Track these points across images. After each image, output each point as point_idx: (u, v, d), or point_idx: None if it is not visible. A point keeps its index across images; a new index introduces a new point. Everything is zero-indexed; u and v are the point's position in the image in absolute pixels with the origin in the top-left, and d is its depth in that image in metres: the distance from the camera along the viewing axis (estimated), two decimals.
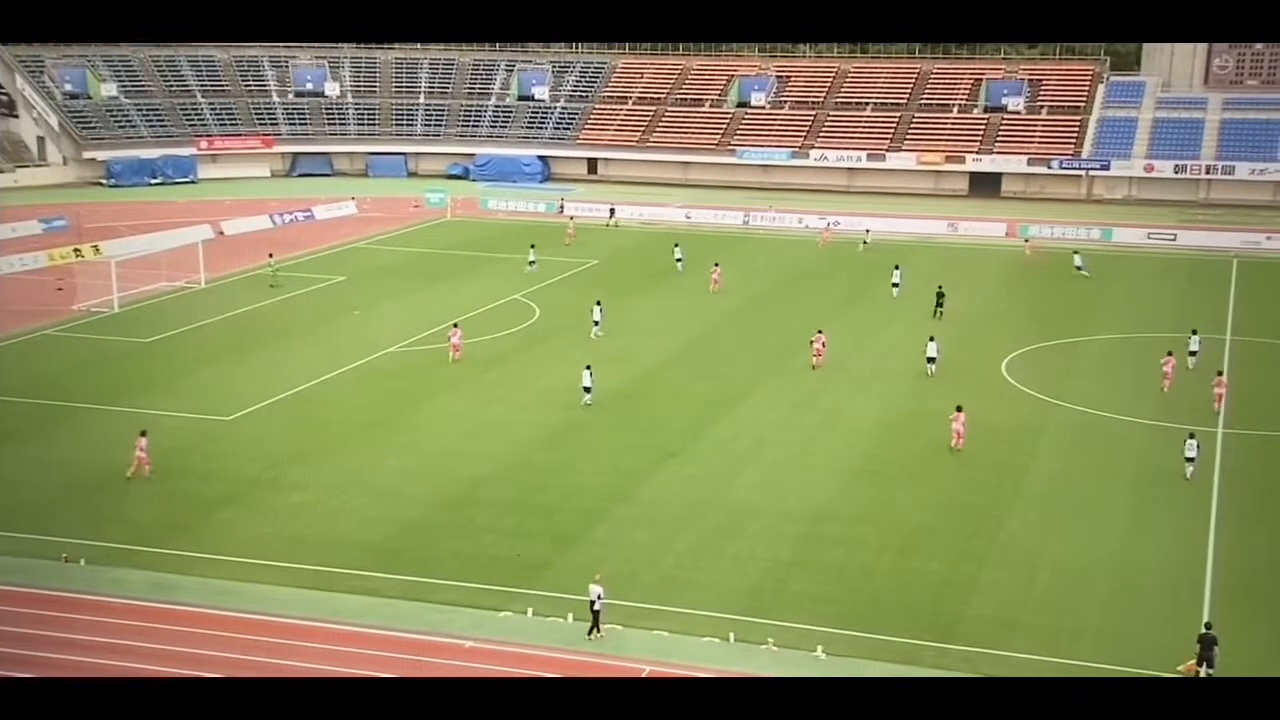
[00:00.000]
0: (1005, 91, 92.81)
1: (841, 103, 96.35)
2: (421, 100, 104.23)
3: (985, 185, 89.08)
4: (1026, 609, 26.90)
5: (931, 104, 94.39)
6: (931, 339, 45.34)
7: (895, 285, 57.46)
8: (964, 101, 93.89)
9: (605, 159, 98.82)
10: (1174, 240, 71.65)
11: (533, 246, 64.69)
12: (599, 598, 25.51)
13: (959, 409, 37.61)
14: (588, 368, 41.79)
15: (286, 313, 54.43)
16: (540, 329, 51.59)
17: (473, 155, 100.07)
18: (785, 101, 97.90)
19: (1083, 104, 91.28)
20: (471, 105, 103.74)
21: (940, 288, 54.61)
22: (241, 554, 29.33)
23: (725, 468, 35.39)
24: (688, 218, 78.85)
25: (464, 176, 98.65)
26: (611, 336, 50.29)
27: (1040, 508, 32.64)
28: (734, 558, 29.34)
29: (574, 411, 40.40)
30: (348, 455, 36.26)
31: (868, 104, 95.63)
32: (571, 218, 74.95)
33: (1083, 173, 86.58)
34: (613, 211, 77.74)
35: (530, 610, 26.54)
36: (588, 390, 40.99)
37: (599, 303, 51.47)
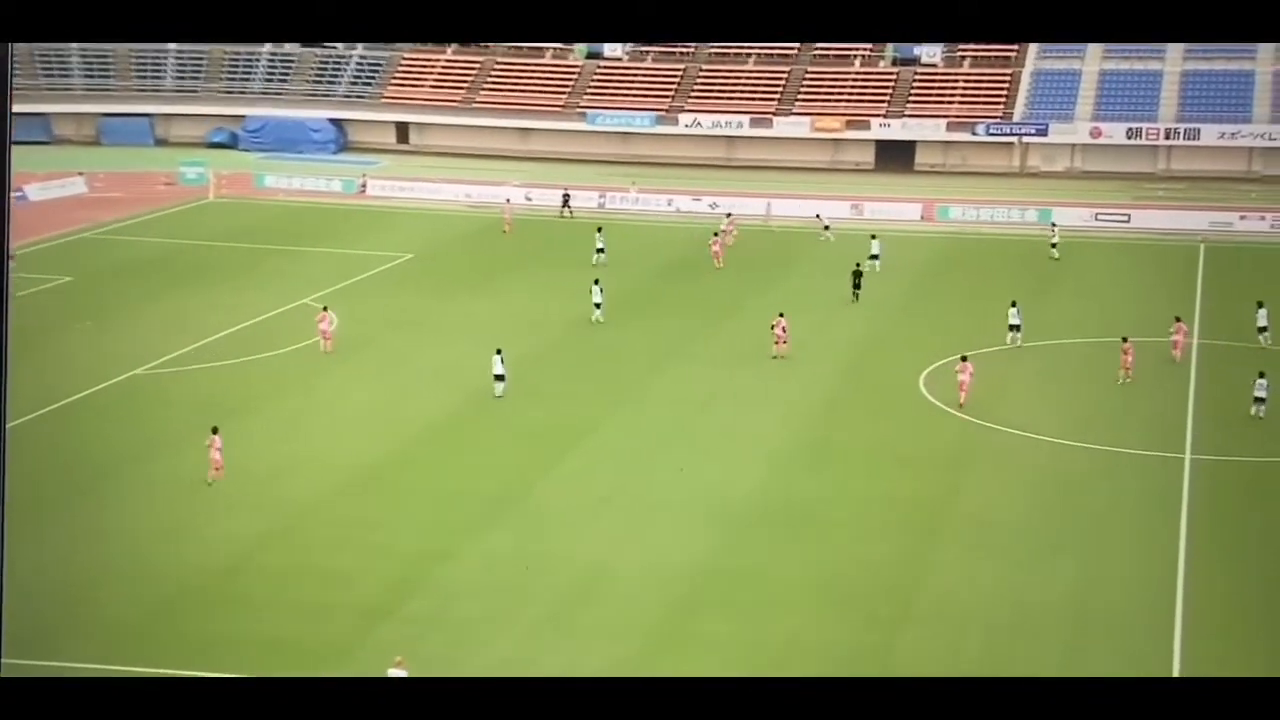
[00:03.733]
0: None
1: (717, 54, 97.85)
2: (172, 46, 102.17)
3: (895, 156, 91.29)
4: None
5: (828, 54, 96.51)
6: (1014, 304, 50.43)
7: (874, 257, 61.73)
8: (867, 52, 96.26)
9: (419, 124, 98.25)
10: (1127, 222, 74.65)
11: (599, 230, 64.96)
12: None
13: (964, 358, 43.63)
14: (498, 352, 44.21)
15: None
16: (340, 341, 51.07)
17: (242, 118, 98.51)
18: (647, 52, 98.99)
19: (1013, 54, 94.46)
20: (239, 53, 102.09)
21: (859, 265, 57.70)
22: None
23: (578, 514, 35.63)
24: (529, 199, 78.99)
25: (231, 145, 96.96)
26: (434, 348, 50.11)
27: (968, 555, 33.66)
28: (590, 630, 29.55)
29: (384, 447, 40.20)
30: (75, 513, 35.27)
31: (749, 55, 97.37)
32: (508, 200, 74.38)
33: (1015, 139, 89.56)
34: (566, 199, 76.80)
35: None
36: (500, 379, 43.91)
37: (597, 281, 53.96)
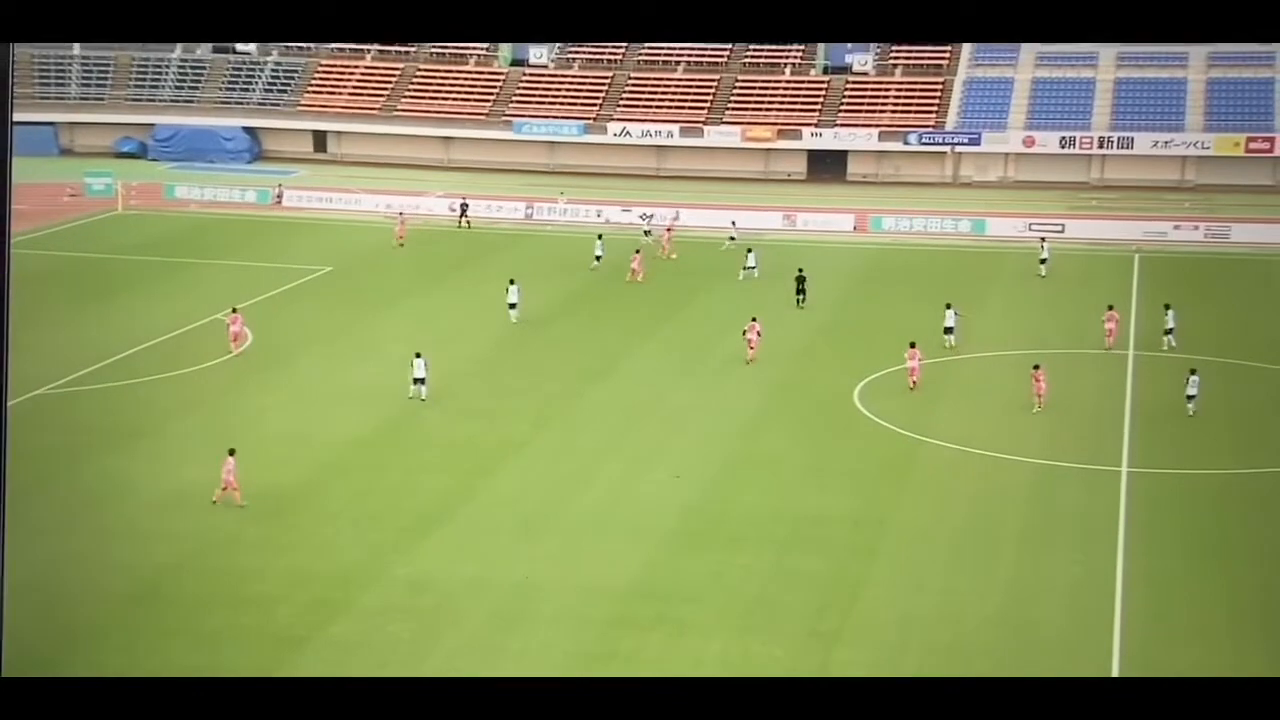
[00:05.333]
0: (849, 47, 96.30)
1: (645, 61, 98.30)
2: (77, 50, 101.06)
3: (828, 166, 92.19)
4: None
5: (758, 63, 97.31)
6: (949, 306, 51.98)
7: (749, 269, 62.90)
8: (798, 60, 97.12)
9: (337, 132, 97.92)
10: (1061, 232, 75.65)
11: (600, 238, 66.52)
12: None
13: (913, 345, 47.14)
14: (418, 355, 45.31)
15: None
16: (254, 357, 50.77)
17: (152, 126, 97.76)
18: (573, 59, 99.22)
19: (945, 62, 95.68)
20: (148, 58, 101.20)
21: (800, 271, 58.67)
22: None
23: (508, 534, 35.62)
24: (453, 210, 78.91)
25: (140, 155, 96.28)
26: (358, 366, 49.92)
27: (905, 572, 34.01)
28: (521, 653, 29.53)
29: (302, 467, 39.92)
30: None
31: (678, 63, 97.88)
32: (401, 213, 73.69)
33: (947, 149, 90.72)
34: (464, 208, 76.79)
35: None
36: (420, 382, 45.13)
37: (513, 281, 55.55)
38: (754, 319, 50.55)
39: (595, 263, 64.48)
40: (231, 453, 36.83)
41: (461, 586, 32.63)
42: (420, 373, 45.07)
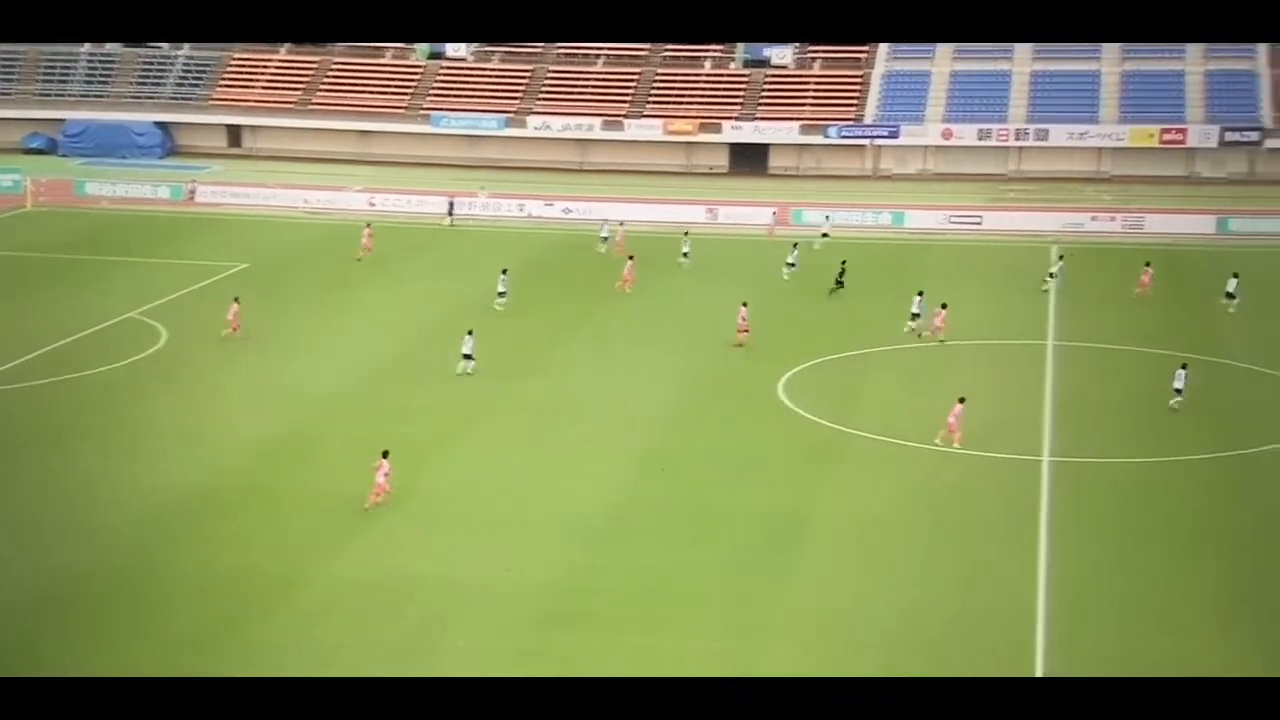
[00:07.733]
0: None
1: (565, 54, 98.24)
2: None
3: (749, 159, 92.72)
4: None
5: (679, 56, 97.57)
6: (920, 293, 53.84)
7: (790, 265, 64.16)
8: (718, 54, 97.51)
9: (251, 126, 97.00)
10: (980, 224, 76.73)
11: (686, 234, 67.24)
12: None
13: (944, 305, 52.01)
14: (469, 332, 47.58)
15: None
16: (171, 356, 50.31)
17: (61, 122, 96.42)
18: (492, 52, 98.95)
19: (863, 55, 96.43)
20: (56, 53, 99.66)
21: (843, 263, 61.56)
22: None
23: (435, 531, 35.63)
24: (372, 204, 78.49)
25: (49, 151, 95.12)
26: (272, 363, 49.52)
27: (830, 563, 34.35)
28: (451, 650, 29.60)
29: (219, 468, 39.58)
30: None
31: (598, 56, 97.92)
32: (369, 224, 69.19)
33: (867, 142, 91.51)
34: (452, 207, 76.44)
35: None
36: (469, 358, 47.04)
37: (505, 271, 57.41)
38: (744, 304, 52.40)
39: (684, 260, 65.06)
40: (385, 455, 36.41)
41: (391, 584, 32.51)
42: (467, 349, 46.96)
